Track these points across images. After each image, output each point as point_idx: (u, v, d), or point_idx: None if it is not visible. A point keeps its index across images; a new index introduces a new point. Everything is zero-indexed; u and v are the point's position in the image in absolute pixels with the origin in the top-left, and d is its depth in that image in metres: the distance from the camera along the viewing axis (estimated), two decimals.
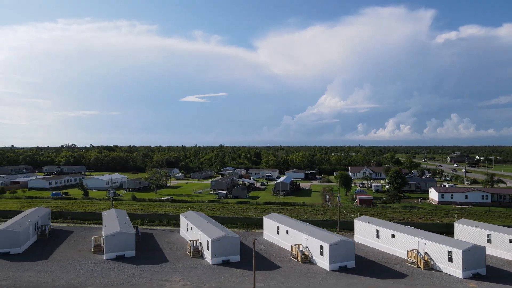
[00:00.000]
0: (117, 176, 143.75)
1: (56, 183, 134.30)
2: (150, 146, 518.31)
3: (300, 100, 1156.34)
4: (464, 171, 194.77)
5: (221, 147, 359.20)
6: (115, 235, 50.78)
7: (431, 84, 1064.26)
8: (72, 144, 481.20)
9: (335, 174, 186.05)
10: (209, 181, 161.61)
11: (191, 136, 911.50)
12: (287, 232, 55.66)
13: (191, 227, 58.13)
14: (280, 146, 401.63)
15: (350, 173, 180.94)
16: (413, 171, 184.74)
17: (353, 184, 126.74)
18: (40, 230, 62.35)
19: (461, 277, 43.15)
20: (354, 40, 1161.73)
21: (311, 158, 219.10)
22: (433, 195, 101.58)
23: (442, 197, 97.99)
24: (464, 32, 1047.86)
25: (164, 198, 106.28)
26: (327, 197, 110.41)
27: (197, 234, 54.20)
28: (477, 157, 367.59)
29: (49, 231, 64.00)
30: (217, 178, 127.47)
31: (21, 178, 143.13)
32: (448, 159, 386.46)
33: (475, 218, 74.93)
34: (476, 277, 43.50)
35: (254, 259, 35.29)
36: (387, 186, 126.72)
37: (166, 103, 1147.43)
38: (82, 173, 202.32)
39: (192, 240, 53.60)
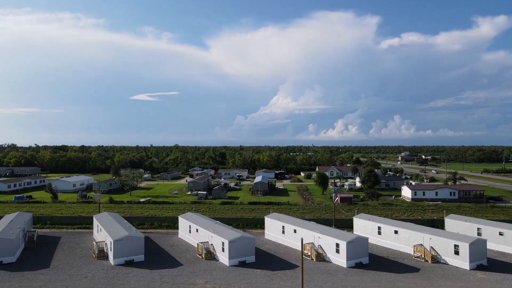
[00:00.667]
0: (84, 178, 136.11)
1: (15, 185, 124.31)
2: (103, 145, 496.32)
3: (253, 100, 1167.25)
4: (424, 170, 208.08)
5: (182, 147, 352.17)
6: (124, 239, 48.33)
7: (376, 87, 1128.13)
8: (12, 144, 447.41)
9: (302, 174, 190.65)
10: (178, 181, 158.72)
11: (141, 135, 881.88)
12: (295, 231, 56.27)
13: (196, 229, 56.80)
14: (241, 146, 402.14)
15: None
16: (376, 170, 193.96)
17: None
18: (28, 237, 57.68)
19: (468, 268, 46.39)
20: (305, 42, 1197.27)
21: (278, 158, 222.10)
22: (406, 192, 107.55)
23: (415, 195, 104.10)
24: (405, 38, 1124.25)
25: (142, 200, 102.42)
26: (304, 196, 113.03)
27: (207, 236, 53.10)
28: (424, 157, 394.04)
29: (37, 237, 59.33)
30: (195, 178, 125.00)
31: None
32: (400, 158, 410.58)
33: (448, 213, 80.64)
34: (480, 268, 46.99)
35: (302, 259, 35.42)
36: (358, 185, 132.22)
37: (115, 101, 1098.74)
38: (38, 174, 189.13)
39: (202, 242, 52.40)
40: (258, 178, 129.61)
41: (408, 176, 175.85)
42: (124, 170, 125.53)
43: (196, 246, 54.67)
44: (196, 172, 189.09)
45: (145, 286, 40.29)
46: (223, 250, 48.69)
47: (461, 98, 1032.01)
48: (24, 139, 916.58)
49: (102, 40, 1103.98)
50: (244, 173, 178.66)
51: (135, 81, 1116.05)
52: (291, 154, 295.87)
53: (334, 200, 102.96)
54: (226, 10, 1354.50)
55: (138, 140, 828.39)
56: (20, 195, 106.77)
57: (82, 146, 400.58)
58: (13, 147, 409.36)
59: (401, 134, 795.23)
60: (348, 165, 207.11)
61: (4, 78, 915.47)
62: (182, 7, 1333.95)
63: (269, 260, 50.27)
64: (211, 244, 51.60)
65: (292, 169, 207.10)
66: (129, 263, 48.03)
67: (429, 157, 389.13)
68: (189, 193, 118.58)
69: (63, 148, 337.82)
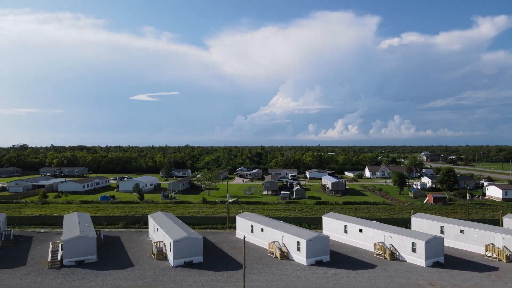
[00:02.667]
0: (152, 178, 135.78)
1: (88, 186, 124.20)
2: (120, 146, 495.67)
3: (253, 100, 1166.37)
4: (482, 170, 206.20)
5: (192, 147, 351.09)
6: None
7: (376, 87, 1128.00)
8: (24, 144, 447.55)
9: (349, 174, 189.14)
10: (234, 181, 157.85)
11: (141, 135, 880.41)
12: (462, 231, 55.36)
13: (360, 229, 56.04)
14: (261, 146, 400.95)
15: (368, 172, 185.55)
16: (423, 170, 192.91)
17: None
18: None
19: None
20: (305, 42, 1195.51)
21: (319, 157, 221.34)
22: (494, 192, 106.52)
23: (506, 194, 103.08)
24: (405, 38, 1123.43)
25: (231, 200, 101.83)
26: (382, 195, 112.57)
27: (381, 236, 52.39)
28: (451, 157, 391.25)
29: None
30: (271, 179, 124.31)
31: (42, 181, 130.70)
32: (424, 157, 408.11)
33: None
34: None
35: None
36: (429, 185, 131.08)
37: (115, 102, 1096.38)
38: (86, 175, 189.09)
39: (379, 242, 51.71)
40: (329, 178, 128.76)
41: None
42: (201, 171, 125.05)
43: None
44: (245, 172, 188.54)
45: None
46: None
47: (461, 98, 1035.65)
48: (24, 140, 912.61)
49: (102, 40, 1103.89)
50: (295, 173, 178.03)
51: (135, 81, 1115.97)
52: (330, 154, 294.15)
53: (425, 200, 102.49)
54: (226, 10, 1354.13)
55: (139, 140, 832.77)
56: (105, 195, 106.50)
57: (106, 147, 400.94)
58: (25, 147, 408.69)
59: (401, 134, 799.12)
60: (403, 165, 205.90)
61: (4, 78, 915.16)
62: (181, 7, 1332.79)
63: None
64: (394, 244, 50.90)
65: (334, 169, 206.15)
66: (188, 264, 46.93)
67: (454, 157, 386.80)
68: (265, 192, 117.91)
69: (81, 148, 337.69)
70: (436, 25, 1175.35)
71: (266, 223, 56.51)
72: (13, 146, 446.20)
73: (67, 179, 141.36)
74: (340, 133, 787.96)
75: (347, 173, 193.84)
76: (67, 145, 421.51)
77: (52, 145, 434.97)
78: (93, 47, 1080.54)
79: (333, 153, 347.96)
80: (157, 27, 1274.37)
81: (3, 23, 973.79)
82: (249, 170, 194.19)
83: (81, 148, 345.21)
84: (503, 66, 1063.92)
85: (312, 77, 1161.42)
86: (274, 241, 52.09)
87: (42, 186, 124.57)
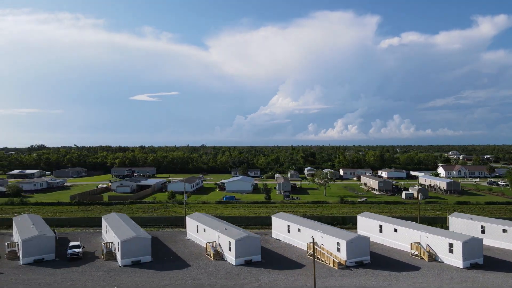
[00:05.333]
0: (248, 179, 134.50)
1: (194, 186, 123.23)
2: (144, 146, 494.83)
3: (253, 100, 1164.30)
4: None
5: (219, 147, 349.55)
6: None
7: (376, 87, 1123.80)
8: (42, 144, 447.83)
9: (421, 173, 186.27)
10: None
11: (141, 135, 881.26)
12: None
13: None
14: (331, 145, 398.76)
15: (444, 172, 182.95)
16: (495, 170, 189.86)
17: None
18: None
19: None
20: (305, 42, 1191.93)
21: (381, 157, 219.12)
22: None
23: None
24: (405, 38, 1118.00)
25: (359, 200, 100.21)
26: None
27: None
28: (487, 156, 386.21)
29: None
30: (380, 179, 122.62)
31: (144, 182, 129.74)
32: (461, 157, 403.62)
33: None
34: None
35: None
36: None
37: (115, 102, 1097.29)
38: (155, 175, 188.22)
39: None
40: (437, 178, 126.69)
41: None
42: (319, 171, 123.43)
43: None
44: (314, 172, 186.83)
45: None
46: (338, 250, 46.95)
47: (460, 97, 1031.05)
48: (24, 140, 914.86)
49: (101, 40, 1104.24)
50: (369, 173, 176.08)
51: (135, 81, 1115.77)
52: (389, 153, 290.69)
53: None
54: (226, 10, 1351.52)
55: (139, 140, 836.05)
56: (229, 196, 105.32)
57: (142, 147, 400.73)
58: (43, 147, 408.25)
59: (400, 133, 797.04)
60: (484, 164, 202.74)
61: (4, 79, 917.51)
62: (181, 7, 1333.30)
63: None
64: None
65: (397, 168, 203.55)
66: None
67: (489, 156, 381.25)
68: (377, 193, 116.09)
69: (125, 149, 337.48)
70: (436, 24, 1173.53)
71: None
72: (31, 146, 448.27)
73: (170, 178, 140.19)
74: (340, 133, 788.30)
75: (421, 173, 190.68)
76: (88, 145, 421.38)
77: (75, 145, 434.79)
78: (93, 47, 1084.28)
79: (361, 153, 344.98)
80: (157, 27, 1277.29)
81: (3, 23, 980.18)
82: (312, 170, 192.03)
83: (107, 148, 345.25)
84: (503, 66, 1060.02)
85: (312, 77, 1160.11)
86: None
87: (147, 186, 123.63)
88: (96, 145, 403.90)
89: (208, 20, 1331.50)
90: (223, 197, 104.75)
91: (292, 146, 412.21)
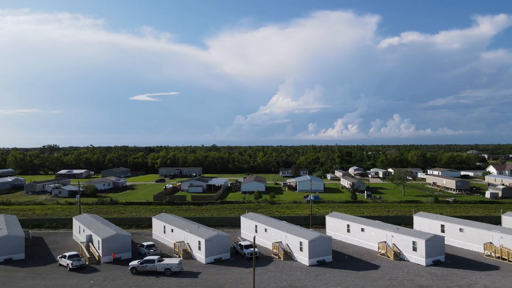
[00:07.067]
0: (308, 177, 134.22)
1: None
2: (165, 146, 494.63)
3: (253, 100, 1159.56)
4: None
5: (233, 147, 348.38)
6: None
7: (376, 86, 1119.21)
8: (54, 144, 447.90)
9: (471, 173, 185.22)
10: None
11: (141, 135, 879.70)
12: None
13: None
14: (365, 145, 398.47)
15: (495, 171, 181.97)
16: None
17: None
18: None
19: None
20: (305, 42, 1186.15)
21: (424, 156, 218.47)
22: None
23: None
24: (405, 38, 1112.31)
25: (448, 199, 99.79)
26: None
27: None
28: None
29: None
30: (457, 178, 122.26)
31: (212, 182, 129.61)
32: (486, 156, 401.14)
33: None
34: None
35: None
36: None
37: (115, 102, 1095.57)
38: (202, 175, 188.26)
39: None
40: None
41: None
42: (400, 169, 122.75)
43: None
44: (360, 171, 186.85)
45: None
46: None
47: (460, 97, 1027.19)
48: (24, 140, 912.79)
49: (101, 40, 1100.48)
50: (420, 172, 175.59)
51: (135, 81, 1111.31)
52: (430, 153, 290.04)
53: None
54: (225, 10, 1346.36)
55: (139, 140, 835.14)
56: (316, 195, 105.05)
57: (165, 147, 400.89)
58: (55, 147, 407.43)
59: (400, 133, 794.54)
60: None
61: (3, 79, 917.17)
62: (181, 7, 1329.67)
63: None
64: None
65: (438, 167, 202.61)
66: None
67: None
68: (455, 192, 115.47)
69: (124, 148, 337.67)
70: (436, 24, 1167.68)
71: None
72: (43, 146, 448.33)
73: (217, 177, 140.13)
74: (339, 132, 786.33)
75: (464, 173, 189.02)
76: (104, 145, 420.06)
77: (91, 145, 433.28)
78: (92, 47, 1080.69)
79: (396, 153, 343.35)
80: (156, 27, 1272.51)
81: (2, 24, 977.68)
82: (359, 169, 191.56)
83: (124, 148, 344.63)
84: (502, 65, 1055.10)
85: (312, 77, 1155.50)
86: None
87: (217, 186, 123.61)
88: (102, 146, 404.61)
89: (207, 20, 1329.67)
90: (305, 197, 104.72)
91: (312, 145, 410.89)
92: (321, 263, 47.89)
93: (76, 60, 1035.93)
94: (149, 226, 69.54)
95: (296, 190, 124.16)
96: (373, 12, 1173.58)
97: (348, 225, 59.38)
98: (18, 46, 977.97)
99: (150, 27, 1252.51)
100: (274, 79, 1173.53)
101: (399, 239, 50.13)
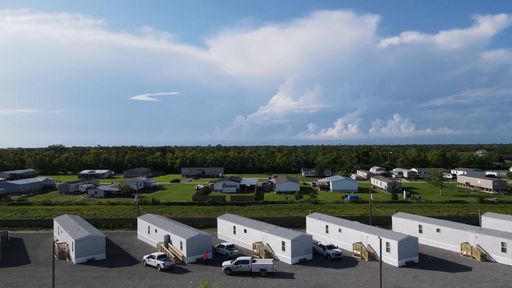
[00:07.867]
0: (339, 177, 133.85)
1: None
2: (169, 146, 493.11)
3: (253, 100, 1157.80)
4: None
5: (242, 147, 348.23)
6: None
7: (376, 86, 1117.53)
8: (60, 145, 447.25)
9: (494, 173, 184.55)
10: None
11: (141, 135, 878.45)
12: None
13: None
14: (385, 144, 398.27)
15: None
16: None
17: None
18: None
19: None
20: (305, 42, 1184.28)
21: (443, 156, 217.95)
22: None
23: None
24: (405, 38, 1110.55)
25: (491, 199, 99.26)
26: None
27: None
28: None
29: None
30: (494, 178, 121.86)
31: (243, 182, 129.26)
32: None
33: None
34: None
35: None
36: None
37: (115, 102, 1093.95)
38: (223, 175, 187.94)
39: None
40: None
41: None
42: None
43: None
44: (382, 171, 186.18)
45: None
46: None
47: (460, 96, 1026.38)
48: (24, 140, 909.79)
49: (101, 40, 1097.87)
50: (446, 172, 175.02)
51: (135, 81, 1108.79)
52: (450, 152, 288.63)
53: None
54: (225, 10, 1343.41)
55: (139, 140, 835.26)
56: (354, 195, 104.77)
57: (177, 147, 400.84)
58: (62, 148, 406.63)
59: (400, 133, 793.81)
60: None
61: (3, 79, 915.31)
62: (181, 7, 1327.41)
63: None
64: None
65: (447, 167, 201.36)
66: None
67: None
68: (492, 192, 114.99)
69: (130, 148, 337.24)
70: (436, 24, 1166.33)
71: None
72: (49, 146, 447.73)
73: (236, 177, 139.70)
74: (339, 132, 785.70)
75: (489, 172, 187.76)
76: (108, 145, 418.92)
77: (98, 145, 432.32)
78: (92, 47, 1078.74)
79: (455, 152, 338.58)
80: (156, 27, 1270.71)
81: (2, 24, 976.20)
82: (383, 169, 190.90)
83: (132, 148, 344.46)
84: (502, 65, 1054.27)
85: (312, 77, 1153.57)
86: None
87: (250, 186, 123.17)
88: (108, 146, 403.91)
89: (207, 20, 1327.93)
90: (344, 197, 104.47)
91: (320, 145, 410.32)
92: (410, 264, 47.45)
93: (76, 60, 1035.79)
94: (208, 226, 70.00)
95: (329, 190, 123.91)
96: (373, 12, 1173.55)
97: (420, 225, 58.93)
98: (18, 46, 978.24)
99: (150, 27, 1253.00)
100: (274, 79, 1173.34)
101: (484, 240, 49.78)
